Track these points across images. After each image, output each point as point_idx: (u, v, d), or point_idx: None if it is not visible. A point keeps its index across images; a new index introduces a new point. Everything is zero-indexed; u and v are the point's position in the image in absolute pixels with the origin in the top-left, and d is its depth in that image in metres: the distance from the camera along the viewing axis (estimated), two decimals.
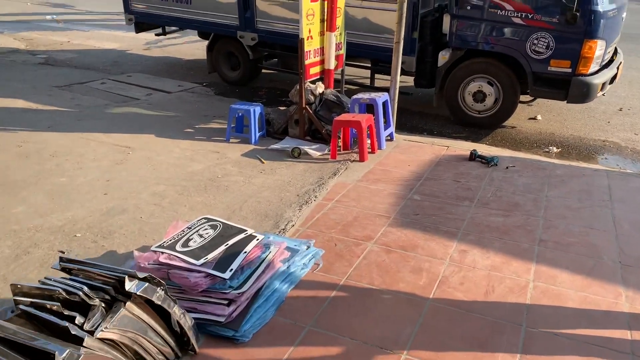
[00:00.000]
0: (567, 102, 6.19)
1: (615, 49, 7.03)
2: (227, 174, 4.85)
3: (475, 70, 6.52)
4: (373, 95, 5.81)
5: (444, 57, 6.63)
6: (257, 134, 5.83)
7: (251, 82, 8.59)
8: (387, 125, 5.85)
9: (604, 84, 6.18)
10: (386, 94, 5.90)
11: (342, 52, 6.30)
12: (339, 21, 5.97)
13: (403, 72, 6.76)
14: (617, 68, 6.50)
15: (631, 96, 7.96)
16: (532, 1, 5.94)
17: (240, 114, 5.90)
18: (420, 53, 6.80)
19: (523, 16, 6.00)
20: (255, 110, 5.76)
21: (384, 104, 5.74)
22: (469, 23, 6.34)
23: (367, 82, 7.66)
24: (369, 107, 5.72)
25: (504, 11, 6.08)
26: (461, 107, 6.76)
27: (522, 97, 6.63)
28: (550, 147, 6.11)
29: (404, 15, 5.68)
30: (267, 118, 6.10)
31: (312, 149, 5.44)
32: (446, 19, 6.52)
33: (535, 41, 6.02)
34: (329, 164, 5.18)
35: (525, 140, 6.38)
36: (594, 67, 6.01)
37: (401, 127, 6.43)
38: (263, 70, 8.79)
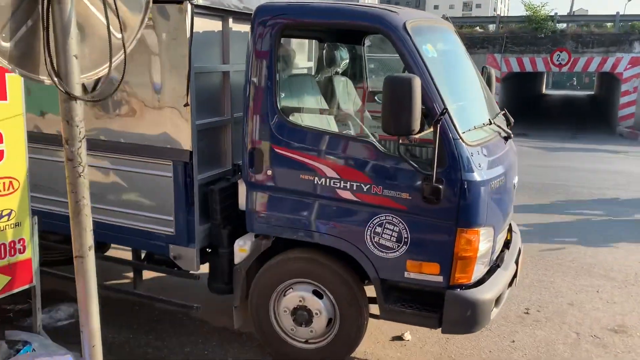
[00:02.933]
0: (442, 332, 3.57)
1: (510, 226, 4.69)
2: None
3: (292, 271, 3.85)
4: None
5: (242, 249, 3.93)
6: None
7: None
8: None
9: (499, 298, 3.67)
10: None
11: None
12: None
13: (183, 274, 4.03)
14: (517, 262, 4.05)
15: (540, 287, 5.57)
16: (361, 163, 3.50)
17: None
18: (210, 239, 4.10)
19: (354, 188, 3.50)
20: None
21: None
22: (271, 195, 3.78)
23: None
24: None
25: (323, 179, 3.57)
26: (277, 333, 3.98)
27: None
28: None
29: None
30: None
31: None
32: (241, 189, 3.92)
33: (379, 229, 3.49)
34: None
35: None
36: (478, 271, 3.52)
37: None
38: None
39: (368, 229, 3.52)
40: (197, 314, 4.24)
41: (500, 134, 3.87)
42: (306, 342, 3.94)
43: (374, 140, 3.47)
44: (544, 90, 37.87)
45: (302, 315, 3.83)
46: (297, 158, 3.62)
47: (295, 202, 3.71)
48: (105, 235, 4.15)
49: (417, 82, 3.10)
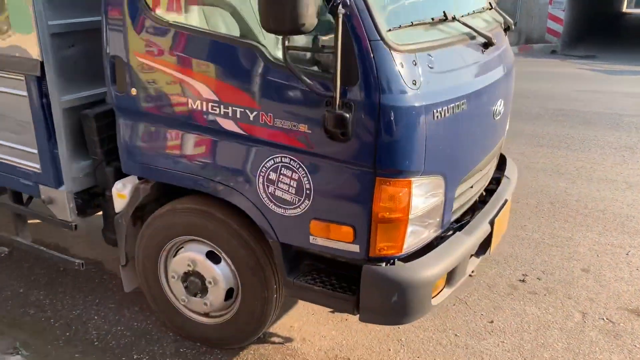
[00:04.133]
0: (361, 321, 2.54)
1: (503, 158, 3.52)
2: None
3: (180, 227, 2.88)
4: None
5: (120, 194, 2.98)
6: None
7: None
8: None
9: (452, 275, 2.59)
10: None
11: None
12: None
13: (57, 222, 3.19)
14: (492, 222, 2.90)
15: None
16: (243, 79, 2.38)
17: None
18: (96, 180, 3.18)
19: (237, 115, 2.42)
20: None
21: None
22: (141, 125, 2.77)
23: None
24: None
25: (199, 102, 2.50)
26: (170, 302, 3.09)
27: None
28: None
29: None
30: None
31: None
32: (118, 119, 2.91)
33: (273, 175, 2.43)
34: None
35: None
36: (416, 239, 2.43)
37: None
38: None
39: (260, 175, 2.47)
40: (82, 269, 3.39)
41: (472, 37, 2.64)
42: (207, 315, 3.03)
43: (259, 43, 2.33)
44: (625, 8, 33.87)
45: (194, 283, 2.91)
46: (165, 70, 2.56)
47: (170, 135, 2.69)
48: None
49: None
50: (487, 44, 2.73)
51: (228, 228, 2.72)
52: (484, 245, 2.92)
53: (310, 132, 2.28)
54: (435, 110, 2.25)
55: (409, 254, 2.45)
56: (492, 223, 2.87)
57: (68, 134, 3.04)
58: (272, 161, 2.43)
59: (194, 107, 2.52)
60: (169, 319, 3.16)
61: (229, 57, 2.40)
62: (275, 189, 2.45)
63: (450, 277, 2.62)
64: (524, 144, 6.62)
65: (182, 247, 2.94)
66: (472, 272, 3.06)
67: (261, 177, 2.47)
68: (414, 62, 2.22)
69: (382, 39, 2.12)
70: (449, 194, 2.54)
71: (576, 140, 6.84)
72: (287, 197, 2.44)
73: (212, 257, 2.85)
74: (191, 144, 2.64)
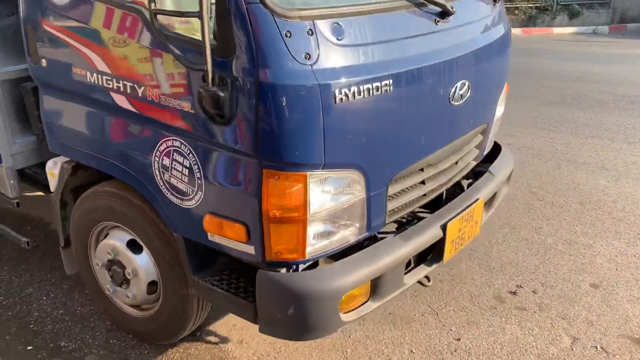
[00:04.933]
0: (260, 332, 2.21)
1: (497, 149, 3.06)
2: None
3: (100, 210, 2.67)
4: None
5: (52, 172, 2.82)
6: None
7: None
8: None
9: (377, 285, 2.20)
10: None
11: None
12: None
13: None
14: (444, 227, 2.44)
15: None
16: (129, 49, 2.10)
17: None
18: (42, 154, 3.06)
19: (127, 90, 2.14)
20: None
21: None
22: (53, 99, 2.57)
23: None
24: None
25: (95, 74, 2.25)
26: (101, 289, 2.90)
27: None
28: None
29: None
30: None
31: None
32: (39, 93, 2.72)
33: (166, 161, 2.14)
34: None
35: None
36: (326, 242, 2.05)
37: None
38: None
39: (155, 159, 2.19)
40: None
41: (419, 4, 2.19)
42: (137, 307, 2.82)
43: (142, 6, 2.01)
44: None
45: (117, 272, 2.70)
46: (64, 39, 2.33)
47: (75, 110, 2.47)
48: None
49: None
50: (444, 13, 2.26)
51: (145, 216, 2.46)
52: (438, 252, 2.48)
53: (193, 112, 1.96)
54: (337, 91, 1.85)
55: (314, 262, 2.08)
56: (444, 227, 2.42)
57: (8, 108, 2.90)
58: (165, 145, 2.14)
59: (91, 79, 2.27)
60: (102, 306, 2.98)
61: (118, 24, 2.12)
62: (170, 176, 2.17)
63: (376, 288, 2.22)
64: (571, 134, 5.90)
65: (108, 233, 2.73)
66: (428, 280, 2.63)
67: (156, 162, 2.19)
68: (310, 31, 1.82)
69: (262, 1, 1.75)
70: (374, 192, 2.13)
71: (638, 131, 6.00)
72: (181, 186, 2.15)
73: (135, 246, 2.61)
74: (94, 122, 2.41)
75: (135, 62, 2.09)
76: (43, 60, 2.46)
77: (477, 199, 2.65)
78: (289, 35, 1.78)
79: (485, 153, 3.00)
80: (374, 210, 2.17)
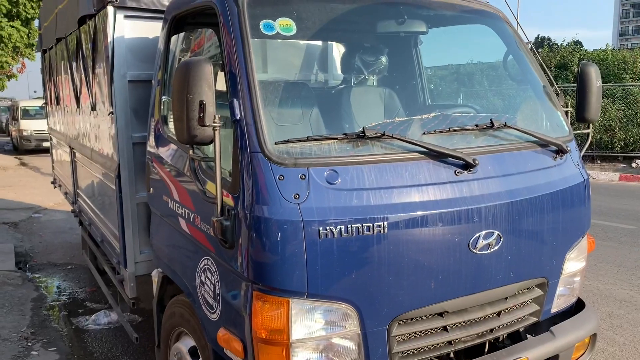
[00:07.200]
0: None
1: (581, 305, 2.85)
2: None
3: (174, 317, 3.13)
4: None
5: (154, 280, 3.41)
6: None
7: None
8: None
9: None
10: None
11: None
12: None
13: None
14: None
15: None
16: (185, 182, 2.61)
17: None
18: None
19: (185, 216, 2.65)
20: None
21: None
22: (153, 219, 3.21)
23: None
24: None
25: (172, 202, 2.82)
26: None
27: None
28: None
29: None
30: None
31: None
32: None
33: (203, 277, 2.55)
34: None
35: None
36: None
37: None
38: None
39: (197, 275, 2.59)
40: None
41: (446, 155, 2.36)
42: None
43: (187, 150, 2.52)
44: None
45: None
46: (160, 173, 2.96)
47: (162, 229, 3.04)
48: None
49: (201, 68, 2.15)
50: (467, 165, 2.37)
51: (199, 325, 2.82)
52: None
53: (214, 236, 2.34)
54: (321, 228, 2.07)
55: None
56: None
57: (141, 223, 3.61)
58: (203, 263, 2.52)
59: (170, 206, 2.82)
60: None
61: (179, 162, 2.67)
62: (204, 290, 2.52)
63: None
64: None
65: (180, 338, 3.13)
66: None
67: (198, 277, 2.57)
68: (303, 176, 2.12)
69: (263, 151, 2.12)
70: (373, 329, 2.20)
71: None
72: (210, 300, 2.48)
73: (195, 354, 2.94)
74: (172, 241, 2.92)
75: (189, 193, 2.58)
76: (151, 188, 3.12)
77: (518, 358, 2.46)
78: (281, 178, 2.09)
79: (553, 311, 2.78)
80: (373, 347, 2.21)
